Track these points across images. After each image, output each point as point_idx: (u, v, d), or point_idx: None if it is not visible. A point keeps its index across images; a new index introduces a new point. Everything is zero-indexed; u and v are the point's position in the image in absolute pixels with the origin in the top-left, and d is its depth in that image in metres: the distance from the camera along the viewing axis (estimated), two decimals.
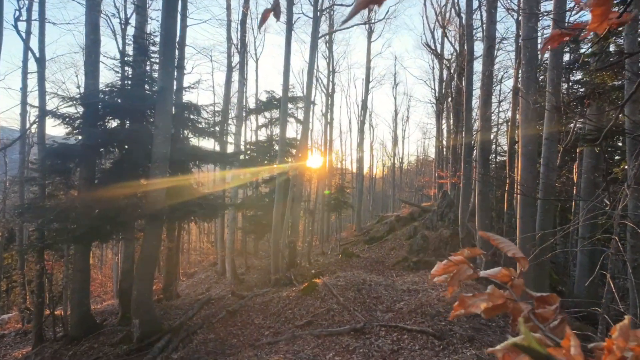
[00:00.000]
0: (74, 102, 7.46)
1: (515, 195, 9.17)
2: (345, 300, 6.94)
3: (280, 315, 6.91)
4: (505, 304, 0.51)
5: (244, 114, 16.48)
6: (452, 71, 18.88)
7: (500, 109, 16.71)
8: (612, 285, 2.80)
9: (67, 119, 7.34)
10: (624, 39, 5.46)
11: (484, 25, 9.85)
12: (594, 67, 6.40)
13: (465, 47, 11.77)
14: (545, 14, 7.06)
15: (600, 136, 4.41)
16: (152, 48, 8.75)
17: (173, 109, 7.73)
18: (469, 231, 10.43)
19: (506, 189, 10.25)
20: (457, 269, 0.51)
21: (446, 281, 0.51)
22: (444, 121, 22.14)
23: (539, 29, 7.37)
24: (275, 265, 10.98)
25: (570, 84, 10.32)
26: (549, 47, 0.71)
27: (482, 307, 0.49)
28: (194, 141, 11.03)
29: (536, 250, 4.58)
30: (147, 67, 8.84)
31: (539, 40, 6.35)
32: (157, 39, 8.59)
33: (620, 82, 6.52)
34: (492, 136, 13.28)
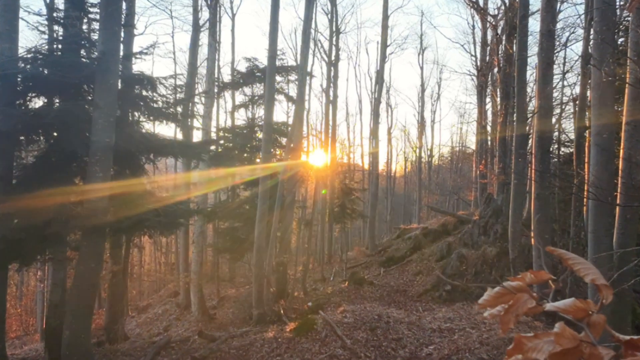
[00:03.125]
0: None
1: (585, 200, 9.18)
2: (353, 343, 6.94)
3: None
4: (579, 349, 0.50)
5: (215, 90, 16.51)
6: (499, 31, 18.91)
7: (565, 83, 16.72)
8: None
9: None
10: None
11: None
12: None
13: None
14: None
15: None
16: (91, 0, 8.74)
17: (119, 83, 7.71)
18: (522, 249, 10.44)
19: (573, 191, 10.26)
20: (514, 300, 0.51)
21: (499, 315, 0.51)
22: (488, 100, 22.20)
23: None
24: (259, 296, 10.98)
25: None
26: (637, 3, 0.70)
27: (547, 352, 0.48)
28: (148, 126, 11.03)
29: (614, 275, 4.59)
30: (84, 27, 8.82)
31: None
32: None
33: None
34: (554, 120, 13.30)
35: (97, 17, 8.40)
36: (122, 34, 8.78)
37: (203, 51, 19.07)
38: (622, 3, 8.54)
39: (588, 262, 0.54)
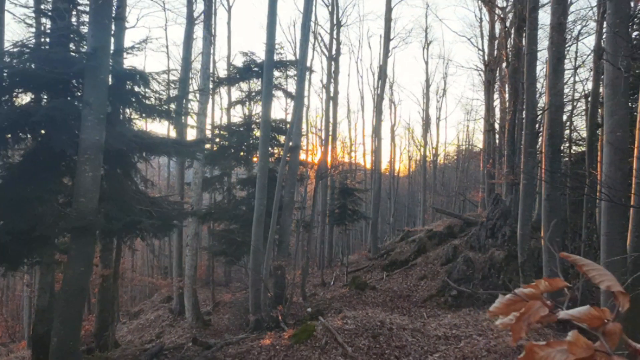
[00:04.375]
0: None
1: (597, 201, 9.19)
2: (355, 351, 6.94)
3: None
4: (593, 358, 0.50)
5: (211, 86, 16.51)
6: (507, 24, 18.91)
7: (577, 79, 16.71)
8: None
9: None
10: None
11: None
12: None
13: None
14: None
15: None
16: None
17: (110, 79, 7.70)
18: (532, 253, 10.45)
19: (585, 192, 10.27)
20: (526, 307, 0.50)
21: (510, 324, 0.50)
22: (496, 96, 22.23)
23: None
24: (256, 301, 10.99)
25: None
26: None
27: None
28: (140, 124, 11.03)
29: (628, 280, 4.59)
30: (74, 19, 8.82)
31: None
32: None
33: None
34: (565, 117, 13.30)
35: (87, 9, 8.39)
36: (113, 27, 8.76)
37: (198, 45, 19.05)
38: None
39: (603, 268, 0.54)
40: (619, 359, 0.50)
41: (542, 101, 12.18)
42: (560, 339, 0.52)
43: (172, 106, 9.55)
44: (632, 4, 8.03)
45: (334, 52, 22.38)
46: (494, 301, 0.57)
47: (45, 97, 8.11)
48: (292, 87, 17.00)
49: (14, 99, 8.01)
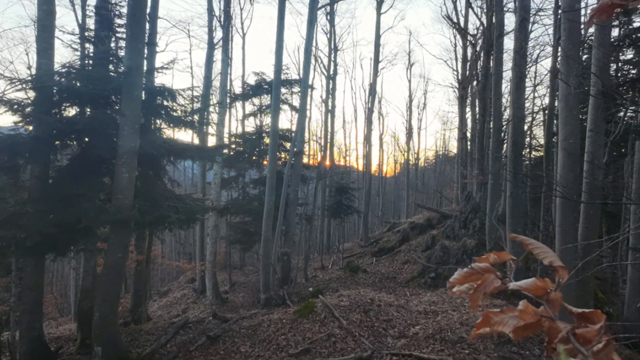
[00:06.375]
0: (24, 85, 7.43)
1: (553, 198, 9.18)
2: (349, 323, 6.95)
3: (271, 342, 6.92)
4: (539, 323, 0.50)
5: (228, 100, 16.49)
6: (477, 49, 18.92)
7: (536, 95, 16.72)
8: None
9: (16, 106, 7.31)
10: None
11: None
12: None
13: (494, 20, 11.79)
14: None
15: None
16: (118, 21, 8.74)
17: (143, 94, 7.71)
18: (498, 241, 10.45)
19: (542, 190, 10.26)
20: (482, 279, 0.51)
21: (468, 292, 0.51)
22: (468, 109, 22.18)
23: None
24: (266, 282, 10.99)
25: (620, 64, 10.33)
26: (597, 19, 0.70)
27: (512, 326, 0.49)
28: (168, 132, 11.03)
29: (578, 264, 4.59)
30: (112, 44, 8.82)
31: (583, 13, 6.36)
32: (124, 10, 8.58)
33: None
34: (525, 127, 13.29)
35: (124, 36, 8.40)
36: (146, 51, 8.79)
37: (217, 66, 19.10)
38: (586, 23, 8.54)
39: (546, 246, 0.55)
40: (561, 323, 0.51)
41: (507, 114, 12.18)
42: (513, 307, 0.53)
43: (196, 117, 9.55)
44: (582, 31, 8.02)
45: (331, 72, 22.37)
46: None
47: (88, 109, 8.13)
48: (296, 101, 17.01)
49: (62, 111, 8.02)
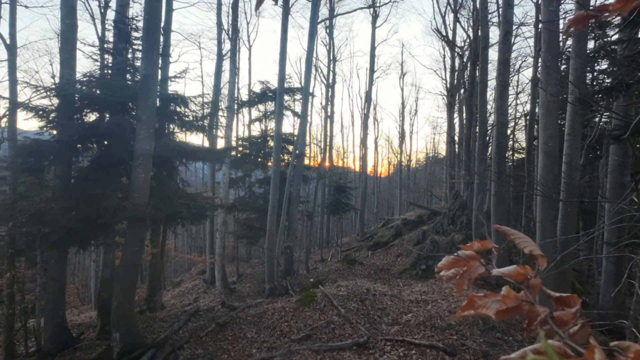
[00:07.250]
0: (48, 93, 7.45)
1: (534, 196, 9.18)
2: (347, 311, 6.95)
3: (275, 329, 6.92)
4: (520, 307, 0.51)
5: (235, 107, 16.48)
6: (465, 60, 18.92)
7: (518, 102, 16.73)
8: None
9: (41, 112, 7.32)
10: None
11: (500, 9, 9.88)
12: (621, 55, 6.41)
13: (480, 33, 11.79)
14: None
15: (628, 131, 4.42)
16: (135, 34, 8.74)
17: (157, 101, 7.72)
18: (483, 235, 10.45)
19: (524, 189, 10.26)
20: (468, 266, 0.51)
21: (454, 277, 0.51)
22: (456, 115, 22.17)
23: (560, 13, 7.38)
24: (270, 274, 10.99)
25: (596, 73, 10.33)
26: (574, 29, 0.70)
27: (495, 309, 0.49)
28: (181, 136, 11.03)
29: (557, 257, 4.60)
30: (129, 55, 8.82)
31: (561, 26, 6.35)
32: (140, 24, 8.58)
33: None
34: (509, 131, 13.29)
35: (140, 47, 8.41)
36: (160, 61, 8.79)
37: (225, 75, 19.04)
38: (564, 37, 8.55)
39: (526, 236, 0.55)
40: (540, 307, 0.51)
41: (492, 119, 12.17)
42: (496, 292, 0.54)
43: (206, 122, 9.55)
44: (561, 43, 8.02)
45: (330, 81, 22.36)
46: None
47: (107, 115, 8.13)
48: (298, 108, 16.99)
49: (83, 117, 8.03)
